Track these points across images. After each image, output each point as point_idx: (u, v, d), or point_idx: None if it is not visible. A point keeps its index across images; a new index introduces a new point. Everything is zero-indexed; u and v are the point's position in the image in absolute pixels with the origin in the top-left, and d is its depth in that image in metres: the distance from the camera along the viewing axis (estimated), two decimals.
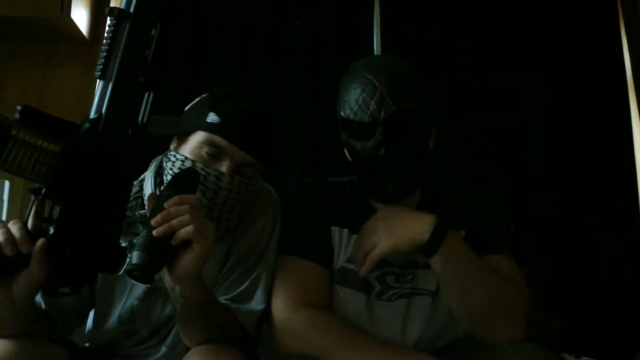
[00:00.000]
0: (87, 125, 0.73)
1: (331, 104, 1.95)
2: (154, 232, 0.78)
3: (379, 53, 1.96)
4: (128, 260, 0.77)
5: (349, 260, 1.05)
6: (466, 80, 1.93)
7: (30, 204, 0.75)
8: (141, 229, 0.82)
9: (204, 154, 0.96)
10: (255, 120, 1.00)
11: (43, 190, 0.71)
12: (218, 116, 0.97)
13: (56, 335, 1.01)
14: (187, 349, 0.93)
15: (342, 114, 1.04)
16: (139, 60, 0.75)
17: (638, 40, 1.98)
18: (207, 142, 0.96)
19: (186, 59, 1.97)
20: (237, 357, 0.89)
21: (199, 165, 0.95)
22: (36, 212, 0.75)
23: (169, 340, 1.03)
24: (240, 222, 1.05)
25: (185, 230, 0.79)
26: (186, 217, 0.80)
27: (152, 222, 0.79)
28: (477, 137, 1.90)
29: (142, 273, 0.76)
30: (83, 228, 0.74)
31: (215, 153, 0.96)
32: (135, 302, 1.02)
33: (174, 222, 0.79)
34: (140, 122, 0.77)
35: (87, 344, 1.08)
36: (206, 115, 0.97)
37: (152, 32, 0.76)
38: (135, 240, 0.79)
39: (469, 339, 1.03)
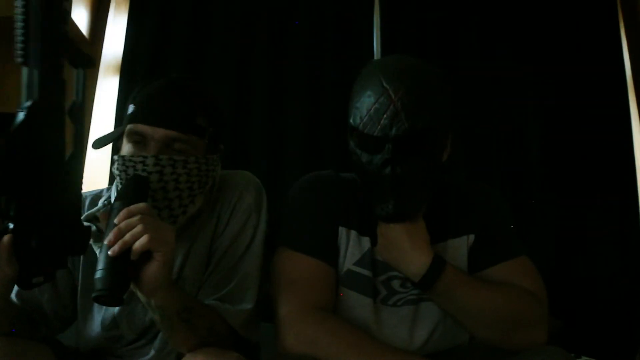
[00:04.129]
0: (22, 114, 0.69)
1: (331, 104, 1.97)
2: (109, 252, 0.76)
3: (379, 53, 1.96)
4: (94, 286, 0.76)
5: (356, 263, 1.03)
6: (466, 80, 1.93)
7: None
8: (99, 250, 0.79)
9: (129, 147, 0.94)
10: (167, 95, 0.96)
11: None
12: (134, 105, 0.95)
13: (40, 336, 0.99)
14: (176, 351, 0.91)
15: (352, 121, 0.97)
16: (59, 38, 0.71)
17: (638, 41, 1.98)
18: (129, 133, 0.94)
19: (186, 58, 1.97)
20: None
21: (126, 157, 0.92)
22: None
23: (156, 342, 1.01)
24: (220, 215, 1.02)
25: (141, 243, 0.76)
26: (138, 228, 0.76)
27: (106, 242, 0.76)
28: (477, 137, 1.90)
29: (108, 297, 0.75)
30: (42, 216, 0.71)
31: (138, 141, 0.93)
32: (116, 309, 1.00)
33: (127, 237, 0.76)
34: (76, 100, 0.75)
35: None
36: (128, 110, 0.96)
37: (65, 6, 0.72)
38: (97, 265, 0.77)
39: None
